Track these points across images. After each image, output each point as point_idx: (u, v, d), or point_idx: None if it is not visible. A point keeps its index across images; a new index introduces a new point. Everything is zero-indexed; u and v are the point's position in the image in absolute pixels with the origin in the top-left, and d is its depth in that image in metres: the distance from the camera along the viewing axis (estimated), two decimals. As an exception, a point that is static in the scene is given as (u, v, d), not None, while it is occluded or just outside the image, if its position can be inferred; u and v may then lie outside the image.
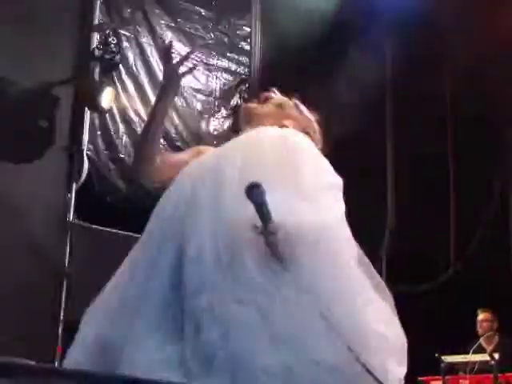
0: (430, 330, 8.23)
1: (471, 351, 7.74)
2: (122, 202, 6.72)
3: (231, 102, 7.70)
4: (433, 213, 9.02)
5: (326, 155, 2.76)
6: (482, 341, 8.07)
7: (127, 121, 7.16)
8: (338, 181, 2.76)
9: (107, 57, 6.66)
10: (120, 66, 6.99)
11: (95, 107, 6.72)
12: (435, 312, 8.52)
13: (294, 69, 7.88)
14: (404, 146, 8.88)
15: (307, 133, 2.94)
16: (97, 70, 6.77)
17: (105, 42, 6.66)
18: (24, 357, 1.66)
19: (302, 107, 3.08)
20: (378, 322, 2.51)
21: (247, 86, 7.99)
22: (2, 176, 5.75)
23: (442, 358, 7.48)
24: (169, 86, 2.92)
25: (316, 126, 3.04)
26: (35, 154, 5.99)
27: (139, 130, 6.89)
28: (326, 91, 8.02)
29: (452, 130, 9.46)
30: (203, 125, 7.49)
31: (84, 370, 2.31)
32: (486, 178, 9.40)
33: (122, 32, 7.10)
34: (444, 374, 7.45)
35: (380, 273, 9.08)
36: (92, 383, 1.62)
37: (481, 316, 8.20)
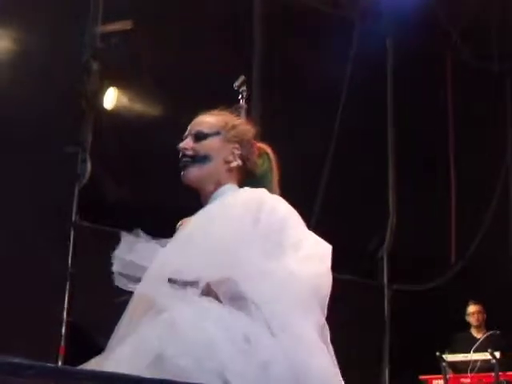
0: (431, 329, 8.24)
1: (472, 350, 7.78)
2: (124, 202, 6.71)
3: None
4: (434, 212, 9.01)
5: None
6: (472, 331, 8.25)
7: (130, 120, 7.15)
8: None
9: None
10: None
11: (98, 107, 6.75)
12: (436, 311, 8.52)
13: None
14: (405, 144, 8.86)
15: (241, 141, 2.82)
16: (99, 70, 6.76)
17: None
18: (27, 356, 1.65)
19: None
20: None
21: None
22: (5, 177, 5.74)
23: (443, 356, 7.49)
24: None
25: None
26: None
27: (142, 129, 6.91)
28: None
29: (453, 128, 9.45)
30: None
31: (90, 369, 2.30)
32: (486, 176, 9.42)
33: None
34: (445, 372, 7.47)
35: (382, 272, 8.97)
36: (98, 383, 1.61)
37: (474, 308, 8.28)
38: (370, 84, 8.46)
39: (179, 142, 2.79)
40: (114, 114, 7.04)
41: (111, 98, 7.05)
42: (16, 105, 5.76)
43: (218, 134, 2.77)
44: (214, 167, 2.74)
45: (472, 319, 8.27)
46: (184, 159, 2.75)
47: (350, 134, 8.17)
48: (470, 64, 9.19)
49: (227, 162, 2.75)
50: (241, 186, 2.78)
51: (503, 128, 9.85)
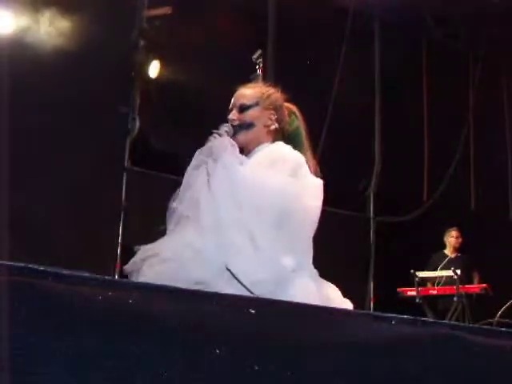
0: (408, 251, 8.25)
1: (440, 267, 7.79)
2: (171, 149, 6.67)
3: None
4: (411, 160, 8.96)
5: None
6: (449, 252, 8.16)
7: (170, 86, 7.12)
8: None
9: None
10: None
11: (144, 76, 6.77)
12: (412, 238, 8.52)
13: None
14: (389, 110, 8.76)
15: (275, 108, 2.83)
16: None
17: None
18: (89, 271, 1.66)
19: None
20: None
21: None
22: (73, 131, 5.74)
23: (416, 273, 7.52)
24: None
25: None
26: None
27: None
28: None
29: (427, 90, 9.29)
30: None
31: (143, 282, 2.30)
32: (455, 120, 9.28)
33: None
34: (417, 286, 7.50)
35: (368, 207, 8.86)
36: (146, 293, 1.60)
37: (457, 233, 8.23)
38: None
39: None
40: (158, 81, 7.02)
41: (155, 68, 7.03)
42: (81, 76, 5.76)
43: (257, 104, 2.78)
44: (257, 131, 2.76)
45: (455, 241, 8.21)
46: (233, 127, 2.76)
47: (344, 101, 8.07)
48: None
49: (266, 126, 2.78)
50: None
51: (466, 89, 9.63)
